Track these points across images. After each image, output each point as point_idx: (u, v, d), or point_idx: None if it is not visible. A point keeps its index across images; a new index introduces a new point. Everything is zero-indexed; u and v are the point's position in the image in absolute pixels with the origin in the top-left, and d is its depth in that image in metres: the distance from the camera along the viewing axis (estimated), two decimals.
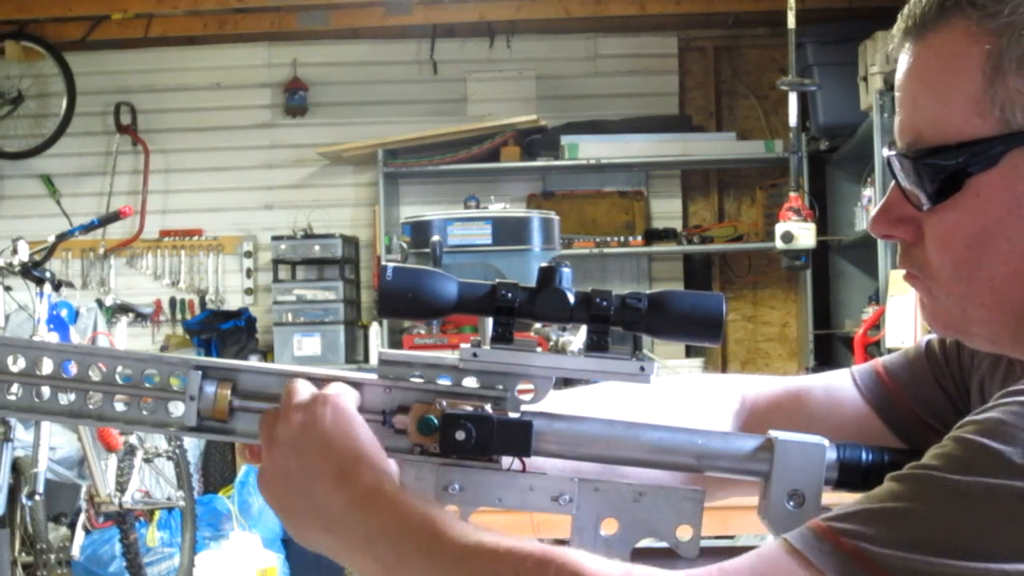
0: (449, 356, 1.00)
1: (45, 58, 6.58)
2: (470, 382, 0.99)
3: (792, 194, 5.10)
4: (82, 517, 4.61)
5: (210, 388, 0.97)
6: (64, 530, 4.71)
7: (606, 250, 6.34)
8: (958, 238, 0.95)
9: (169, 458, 5.14)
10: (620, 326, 0.97)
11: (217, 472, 6.22)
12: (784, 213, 5.05)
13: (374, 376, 0.99)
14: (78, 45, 6.61)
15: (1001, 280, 0.94)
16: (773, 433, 1.01)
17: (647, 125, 6.44)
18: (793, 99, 5.10)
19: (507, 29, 6.67)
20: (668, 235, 6.40)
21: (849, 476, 1.00)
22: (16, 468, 4.34)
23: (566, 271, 0.97)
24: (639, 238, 6.38)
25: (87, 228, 4.98)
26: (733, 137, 6.47)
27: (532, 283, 0.97)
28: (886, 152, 1.00)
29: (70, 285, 5.26)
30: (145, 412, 0.98)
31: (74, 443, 5.05)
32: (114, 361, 0.99)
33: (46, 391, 0.99)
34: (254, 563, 4.97)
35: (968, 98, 0.92)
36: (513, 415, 0.98)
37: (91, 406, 0.99)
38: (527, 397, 1.00)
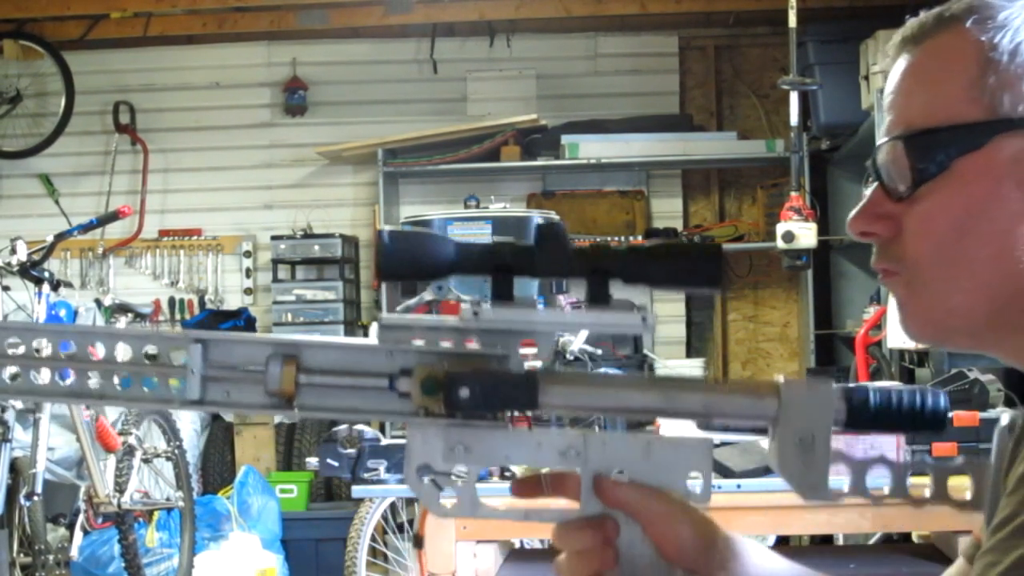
0: (450, 319, 0.99)
1: (43, 57, 6.57)
2: (472, 345, 0.98)
3: (793, 194, 5.09)
4: (81, 518, 4.59)
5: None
6: (63, 531, 4.68)
7: None
8: (941, 220, 0.98)
9: (168, 458, 5.11)
10: (621, 278, 0.96)
11: (216, 472, 6.20)
12: (785, 213, 5.04)
13: (375, 342, 0.98)
14: (77, 44, 6.60)
15: (982, 263, 0.97)
16: (779, 377, 1.01)
17: (647, 125, 6.43)
18: (794, 98, 5.09)
19: (507, 28, 6.66)
20: (669, 235, 6.38)
21: (857, 417, 0.99)
22: (14, 468, 4.32)
23: (563, 226, 0.97)
24: (639, 238, 6.37)
25: (86, 228, 4.97)
26: (734, 136, 6.46)
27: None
28: (877, 146, 1.04)
29: (69, 285, 5.24)
30: (146, 389, 0.97)
31: (73, 443, 5.02)
32: (113, 340, 0.98)
33: (45, 373, 0.98)
34: (253, 564, 4.96)
35: (960, 87, 0.98)
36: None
37: (92, 386, 0.98)
38: (530, 352, 0.99)
